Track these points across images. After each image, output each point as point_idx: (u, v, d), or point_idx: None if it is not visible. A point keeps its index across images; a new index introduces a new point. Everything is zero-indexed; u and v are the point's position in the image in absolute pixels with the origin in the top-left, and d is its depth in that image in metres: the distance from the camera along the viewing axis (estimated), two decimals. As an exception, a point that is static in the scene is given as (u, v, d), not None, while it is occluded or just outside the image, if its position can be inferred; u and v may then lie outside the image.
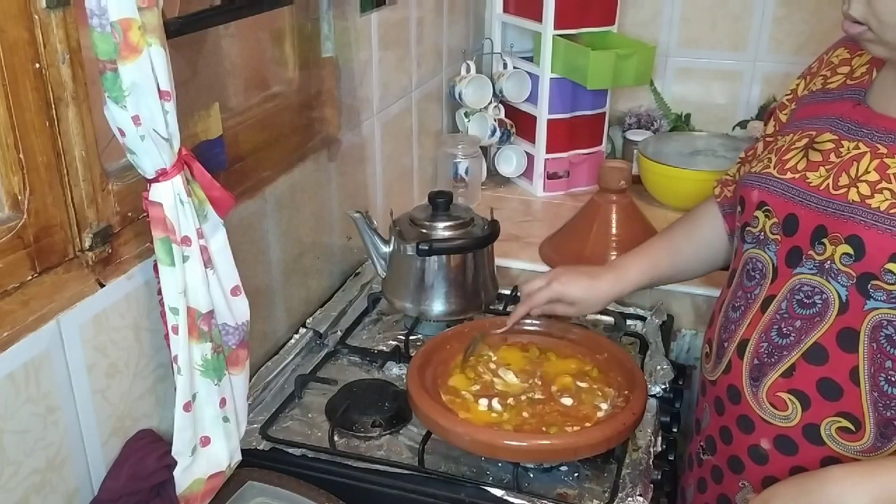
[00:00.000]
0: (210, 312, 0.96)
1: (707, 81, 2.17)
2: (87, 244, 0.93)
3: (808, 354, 0.99)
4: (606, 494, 1.10)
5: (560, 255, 1.68)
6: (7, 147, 0.82)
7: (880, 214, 0.93)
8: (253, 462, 1.14)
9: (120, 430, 1.01)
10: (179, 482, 1.00)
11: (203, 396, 0.99)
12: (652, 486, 1.13)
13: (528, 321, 1.33)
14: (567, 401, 1.18)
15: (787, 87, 1.19)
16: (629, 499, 1.08)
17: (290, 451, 1.17)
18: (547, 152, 2.02)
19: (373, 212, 1.59)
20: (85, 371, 0.93)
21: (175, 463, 0.99)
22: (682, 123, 2.18)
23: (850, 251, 0.95)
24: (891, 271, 0.92)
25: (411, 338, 1.44)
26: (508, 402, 1.18)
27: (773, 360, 1.02)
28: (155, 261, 0.92)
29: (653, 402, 1.27)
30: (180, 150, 0.90)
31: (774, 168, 1.06)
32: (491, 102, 2.05)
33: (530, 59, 2.05)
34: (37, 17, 0.82)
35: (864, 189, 0.95)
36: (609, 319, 1.50)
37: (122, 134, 0.85)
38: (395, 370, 1.37)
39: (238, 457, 1.07)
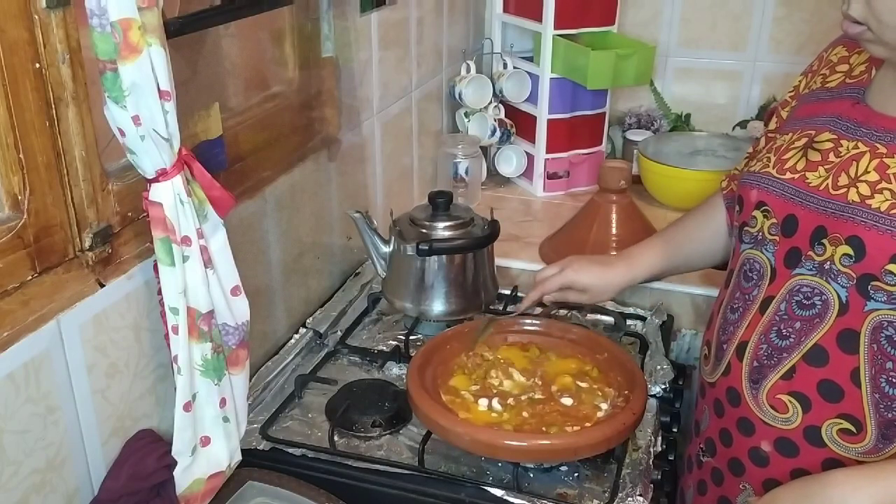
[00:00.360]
0: (210, 312, 0.96)
1: (707, 81, 2.17)
2: (87, 244, 0.93)
3: (808, 356, 0.99)
4: (606, 494, 1.09)
5: (560, 255, 1.66)
6: (7, 147, 0.82)
7: (880, 215, 0.93)
8: (253, 462, 1.14)
9: (120, 430, 1.01)
10: (179, 482, 1.00)
11: (203, 396, 0.99)
12: (652, 486, 1.13)
13: (528, 321, 1.34)
14: (567, 401, 1.18)
15: (790, 85, 1.19)
16: (629, 499, 1.08)
17: (290, 451, 1.16)
18: (547, 152, 2.02)
19: (373, 212, 1.59)
20: (85, 371, 0.93)
21: (175, 463, 0.99)
22: (682, 123, 2.18)
23: (851, 252, 0.95)
24: (891, 272, 0.92)
25: (411, 338, 1.44)
26: (508, 402, 1.18)
27: (772, 361, 1.02)
28: (155, 261, 0.92)
29: (653, 402, 1.27)
30: (180, 150, 0.90)
31: (774, 168, 1.06)
32: (491, 102, 2.04)
33: (530, 59, 2.05)
34: (37, 17, 0.82)
35: (864, 189, 0.95)
36: (609, 319, 1.50)
37: (122, 134, 0.84)
38: (395, 370, 1.37)
39: (238, 457, 1.07)
